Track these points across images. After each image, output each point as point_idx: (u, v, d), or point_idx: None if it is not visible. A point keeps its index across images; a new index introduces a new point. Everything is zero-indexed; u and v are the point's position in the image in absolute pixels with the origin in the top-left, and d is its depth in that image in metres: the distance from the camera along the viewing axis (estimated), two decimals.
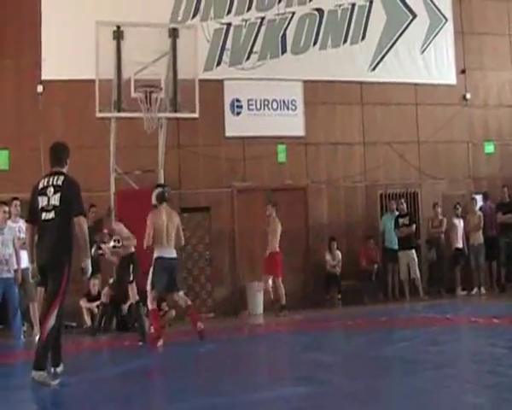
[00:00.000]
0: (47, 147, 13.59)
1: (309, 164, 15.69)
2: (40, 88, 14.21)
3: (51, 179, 7.12)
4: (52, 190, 7.02)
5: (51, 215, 6.96)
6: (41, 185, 7.12)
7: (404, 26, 16.57)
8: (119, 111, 12.76)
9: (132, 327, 11.86)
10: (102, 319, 11.55)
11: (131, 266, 10.76)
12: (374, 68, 16.33)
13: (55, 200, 6.98)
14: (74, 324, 12.47)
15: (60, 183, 7.07)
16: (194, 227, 14.43)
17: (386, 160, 16.11)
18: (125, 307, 12.11)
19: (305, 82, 15.77)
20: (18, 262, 11.25)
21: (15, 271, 11.22)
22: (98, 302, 11.87)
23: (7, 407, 6.03)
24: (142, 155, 13.69)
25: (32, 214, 7.20)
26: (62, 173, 7.22)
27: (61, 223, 6.98)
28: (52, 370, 7.09)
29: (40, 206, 7.02)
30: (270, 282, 13.56)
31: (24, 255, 11.35)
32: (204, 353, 9.10)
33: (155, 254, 9.89)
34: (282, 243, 14.50)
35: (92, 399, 6.31)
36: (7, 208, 11.49)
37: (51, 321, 6.76)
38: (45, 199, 7.01)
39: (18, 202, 11.78)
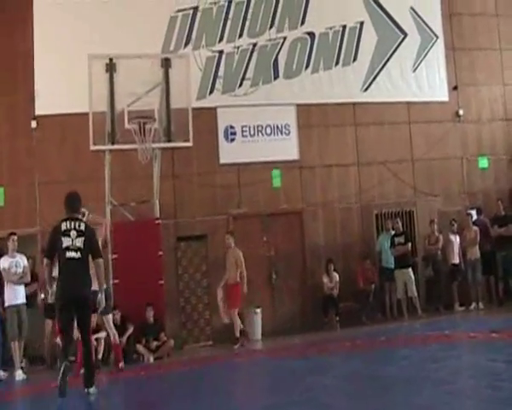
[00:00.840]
0: (42, 181, 14.07)
1: (304, 187, 15.72)
2: (34, 123, 14.35)
3: (73, 224, 8.39)
4: (75, 233, 8.32)
5: (78, 255, 8.29)
6: (64, 228, 8.35)
7: (395, 46, 16.67)
8: (113, 143, 12.90)
9: (131, 359, 11.92)
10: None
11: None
12: (366, 89, 16.40)
13: (79, 242, 8.30)
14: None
15: (82, 228, 8.40)
16: (191, 256, 14.44)
17: (381, 179, 16.17)
18: (124, 339, 12.13)
19: (298, 106, 15.86)
20: None
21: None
22: (97, 335, 11.81)
23: None
24: (137, 185, 13.75)
25: (51, 251, 8.45)
26: (81, 220, 8.65)
27: (85, 262, 8.37)
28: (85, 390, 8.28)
29: (65, 245, 8.26)
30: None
31: (21, 290, 11.47)
32: (201, 378, 9.12)
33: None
34: (278, 269, 14.70)
35: None
36: None
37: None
38: (69, 240, 8.28)
39: (15, 237, 11.87)
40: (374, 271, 15.53)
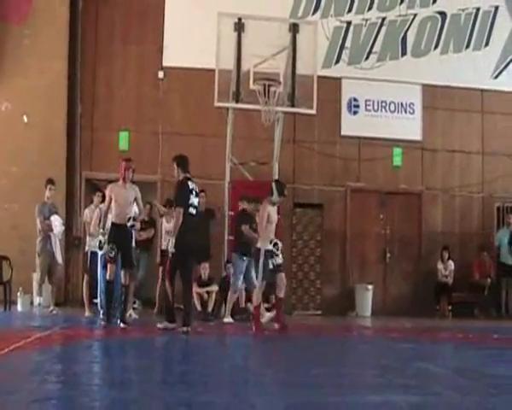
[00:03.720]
0: (165, 131, 14.02)
1: (425, 170, 15.27)
2: (161, 74, 14.39)
3: (194, 185, 9.21)
4: (195, 193, 9.21)
5: (194, 211, 9.18)
6: (191, 186, 9.13)
7: None
8: (237, 102, 12.77)
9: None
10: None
11: None
12: (497, 76, 15.71)
13: (196, 202, 9.22)
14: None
15: (197, 190, 9.35)
16: (306, 223, 14.20)
17: (506, 171, 15.38)
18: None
19: (424, 86, 15.35)
20: None
21: None
22: (209, 288, 11.64)
23: None
24: (258, 147, 13.61)
25: (186, 202, 9.14)
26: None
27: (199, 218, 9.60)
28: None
29: (190, 202, 9.09)
30: None
31: None
32: (305, 350, 8.79)
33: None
34: (393, 248, 14.28)
35: None
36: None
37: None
38: (193, 198, 9.12)
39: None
40: (491, 264, 14.86)
